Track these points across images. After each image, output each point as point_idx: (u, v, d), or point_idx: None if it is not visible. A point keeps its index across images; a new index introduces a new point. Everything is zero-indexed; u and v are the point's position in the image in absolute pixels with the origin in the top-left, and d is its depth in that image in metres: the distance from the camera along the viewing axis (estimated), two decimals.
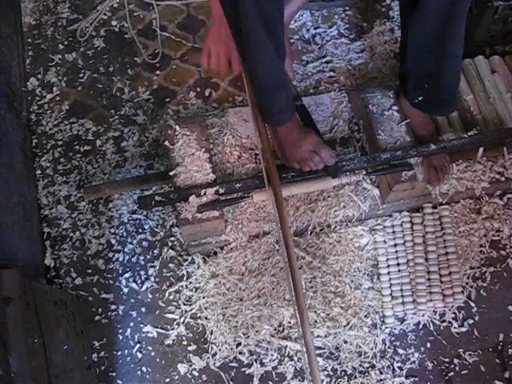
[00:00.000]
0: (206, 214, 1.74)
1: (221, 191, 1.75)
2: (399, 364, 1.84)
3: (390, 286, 1.91)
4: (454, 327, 1.89)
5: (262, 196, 1.78)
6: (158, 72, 2.31)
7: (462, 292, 1.91)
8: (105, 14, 2.44)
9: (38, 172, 2.10)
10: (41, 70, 2.31)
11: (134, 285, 1.93)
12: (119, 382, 1.82)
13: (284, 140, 1.78)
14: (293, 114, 1.78)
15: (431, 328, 1.89)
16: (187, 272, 1.93)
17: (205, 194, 1.74)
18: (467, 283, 1.95)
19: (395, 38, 2.35)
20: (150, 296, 1.92)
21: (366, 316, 1.88)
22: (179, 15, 2.46)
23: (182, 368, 1.82)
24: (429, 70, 1.71)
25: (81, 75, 2.31)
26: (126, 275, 1.94)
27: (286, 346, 1.84)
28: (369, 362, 1.84)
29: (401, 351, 1.86)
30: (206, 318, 1.87)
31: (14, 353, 1.18)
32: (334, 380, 1.81)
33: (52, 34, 2.40)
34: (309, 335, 1.46)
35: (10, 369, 1.15)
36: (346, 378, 1.82)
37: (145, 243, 1.99)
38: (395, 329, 1.89)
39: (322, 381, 1.81)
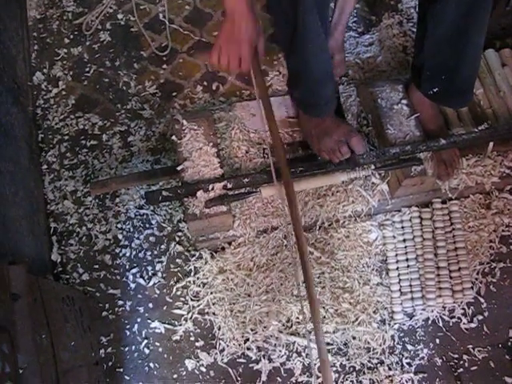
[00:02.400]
0: (213, 209, 1.72)
1: (229, 186, 1.74)
2: (408, 360, 1.83)
3: (399, 282, 1.90)
4: (464, 323, 1.88)
5: (270, 191, 1.77)
6: (164, 66, 2.30)
7: (472, 288, 1.90)
8: (110, 8, 2.42)
9: (44, 167, 2.09)
10: (46, 64, 2.30)
11: (141, 280, 1.92)
12: (126, 377, 1.81)
13: (316, 129, 1.77)
14: (336, 104, 1.79)
15: (440, 324, 1.88)
16: (195, 267, 1.92)
17: (212, 188, 1.73)
18: (477, 279, 1.94)
19: (404, 32, 2.33)
20: (158, 291, 1.91)
21: (374, 312, 1.87)
22: (186, 8, 2.43)
23: (190, 364, 1.82)
24: (448, 61, 1.68)
25: (87, 69, 2.29)
26: (133, 271, 1.93)
27: (295, 342, 1.83)
28: (377, 358, 1.83)
29: (410, 347, 1.85)
30: (214, 313, 1.86)
31: (22, 350, 1.17)
32: (342, 376, 1.81)
33: (57, 27, 2.38)
34: (321, 333, 1.43)
35: (17, 366, 1.14)
36: (354, 373, 1.81)
37: (152, 238, 1.98)
38: (404, 325, 1.88)
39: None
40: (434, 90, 1.79)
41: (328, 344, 1.83)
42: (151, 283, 1.92)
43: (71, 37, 2.36)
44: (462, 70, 1.69)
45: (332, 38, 2.07)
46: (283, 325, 1.85)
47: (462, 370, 1.82)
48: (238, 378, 1.80)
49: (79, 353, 1.53)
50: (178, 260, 1.95)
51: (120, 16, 2.40)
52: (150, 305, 1.89)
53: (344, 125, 1.79)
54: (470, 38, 1.60)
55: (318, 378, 1.80)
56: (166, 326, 1.86)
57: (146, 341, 1.85)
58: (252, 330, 1.83)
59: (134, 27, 2.38)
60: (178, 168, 1.78)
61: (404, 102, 1.90)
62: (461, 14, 1.53)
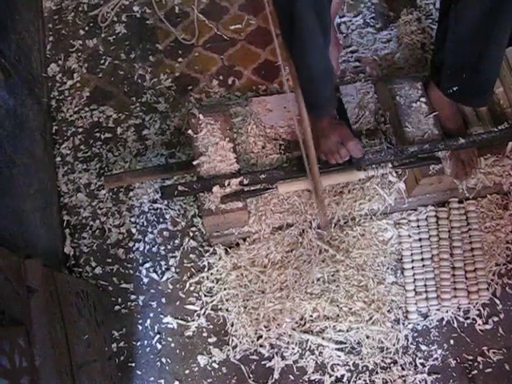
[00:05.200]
0: (229, 205, 1.71)
1: (245, 182, 1.72)
2: (422, 360, 1.82)
3: (414, 282, 1.88)
4: (479, 324, 1.87)
5: (286, 187, 1.75)
6: (180, 59, 2.27)
7: (487, 289, 1.87)
8: (126, 0, 2.40)
9: (58, 159, 2.08)
10: (61, 56, 2.28)
11: (154, 275, 1.91)
12: (138, 372, 1.80)
13: (314, 129, 1.74)
14: (336, 105, 1.76)
15: (455, 325, 1.86)
16: (208, 263, 1.90)
17: (229, 184, 1.71)
18: (492, 280, 1.92)
19: (422, 28, 2.30)
20: (171, 287, 1.90)
21: (388, 311, 1.86)
22: (202, 1, 2.40)
23: (202, 360, 1.81)
24: (469, 60, 1.66)
25: (102, 61, 2.27)
26: (147, 265, 1.92)
27: (308, 340, 1.82)
28: (391, 358, 1.82)
29: (423, 347, 1.84)
30: (227, 309, 1.85)
31: (39, 344, 1.16)
32: (355, 375, 1.80)
33: (73, 19, 2.36)
34: None
35: (34, 360, 1.13)
36: (367, 373, 1.80)
37: (166, 233, 1.97)
38: (418, 325, 1.87)
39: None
40: (454, 89, 1.76)
41: (341, 343, 1.83)
42: (164, 278, 1.91)
43: (86, 28, 2.34)
44: (484, 68, 1.66)
45: None
46: (296, 322, 1.84)
47: (476, 371, 1.81)
48: (251, 375, 1.79)
49: (93, 347, 1.52)
50: (191, 255, 1.93)
51: (136, 8, 2.38)
52: (163, 300, 1.88)
53: (341, 127, 1.76)
54: (494, 36, 1.57)
55: (330, 376, 1.79)
56: (179, 321, 1.85)
57: (158, 336, 1.84)
58: (265, 327, 1.82)
59: (149, 20, 2.36)
60: (194, 163, 1.77)
61: (423, 99, 1.88)
62: (486, 11, 1.51)
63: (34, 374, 1.11)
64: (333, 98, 1.72)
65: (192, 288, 1.89)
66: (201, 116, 1.83)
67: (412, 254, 1.91)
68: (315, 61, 1.57)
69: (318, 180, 1.64)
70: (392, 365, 1.81)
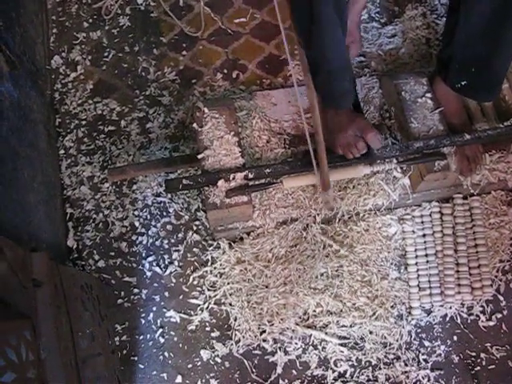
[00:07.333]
0: (234, 199, 1.70)
1: (250, 176, 1.71)
2: (425, 356, 1.82)
3: (418, 277, 1.88)
4: (482, 321, 1.86)
5: (291, 182, 1.75)
6: (184, 52, 2.26)
7: (491, 285, 1.87)
8: None
9: (61, 152, 2.07)
10: (65, 48, 2.26)
11: (157, 269, 1.90)
12: (141, 366, 1.80)
13: (331, 123, 1.74)
14: (354, 96, 1.76)
15: (458, 321, 1.86)
16: (212, 257, 1.90)
17: (234, 178, 1.70)
18: (496, 276, 1.91)
19: (427, 23, 2.29)
20: (174, 280, 1.89)
21: (392, 307, 1.85)
22: None
23: (205, 354, 1.81)
24: (479, 54, 1.65)
25: (105, 54, 2.26)
26: (150, 259, 1.92)
27: (311, 335, 1.82)
28: (394, 354, 1.82)
29: (427, 343, 1.83)
30: (231, 304, 1.84)
31: (44, 337, 1.16)
32: (358, 370, 1.79)
33: (76, 11, 2.35)
34: None
35: (40, 353, 1.13)
36: (370, 368, 1.80)
37: (169, 227, 1.96)
38: (421, 320, 1.86)
39: None
40: (463, 83, 1.75)
41: (345, 338, 1.82)
42: (167, 272, 1.90)
43: (90, 21, 2.33)
44: (494, 62, 1.65)
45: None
46: (300, 317, 1.83)
47: (479, 368, 1.80)
48: (253, 370, 1.79)
49: (97, 341, 1.52)
50: (195, 249, 1.93)
51: (140, 1, 2.36)
52: (166, 294, 1.88)
53: (359, 119, 1.75)
54: (504, 31, 1.56)
55: (333, 371, 1.79)
56: (182, 315, 1.85)
57: (161, 330, 1.84)
58: (268, 322, 1.81)
59: (153, 12, 2.34)
60: (199, 156, 1.76)
61: (428, 95, 1.87)
62: (496, 7, 1.50)
63: (39, 368, 1.10)
64: (350, 91, 1.73)
65: (195, 282, 1.88)
66: (206, 109, 1.83)
67: (416, 250, 1.90)
68: (335, 55, 1.60)
69: (326, 172, 1.64)
70: (395, 360, 1.81)
